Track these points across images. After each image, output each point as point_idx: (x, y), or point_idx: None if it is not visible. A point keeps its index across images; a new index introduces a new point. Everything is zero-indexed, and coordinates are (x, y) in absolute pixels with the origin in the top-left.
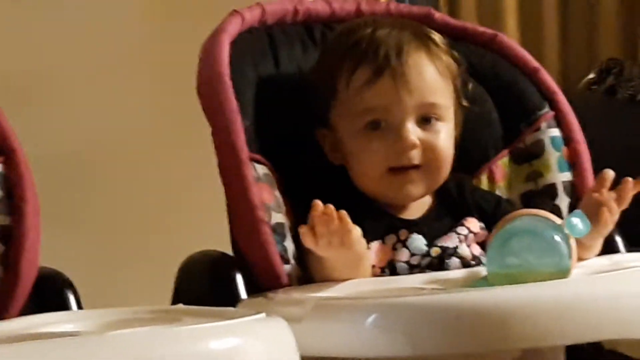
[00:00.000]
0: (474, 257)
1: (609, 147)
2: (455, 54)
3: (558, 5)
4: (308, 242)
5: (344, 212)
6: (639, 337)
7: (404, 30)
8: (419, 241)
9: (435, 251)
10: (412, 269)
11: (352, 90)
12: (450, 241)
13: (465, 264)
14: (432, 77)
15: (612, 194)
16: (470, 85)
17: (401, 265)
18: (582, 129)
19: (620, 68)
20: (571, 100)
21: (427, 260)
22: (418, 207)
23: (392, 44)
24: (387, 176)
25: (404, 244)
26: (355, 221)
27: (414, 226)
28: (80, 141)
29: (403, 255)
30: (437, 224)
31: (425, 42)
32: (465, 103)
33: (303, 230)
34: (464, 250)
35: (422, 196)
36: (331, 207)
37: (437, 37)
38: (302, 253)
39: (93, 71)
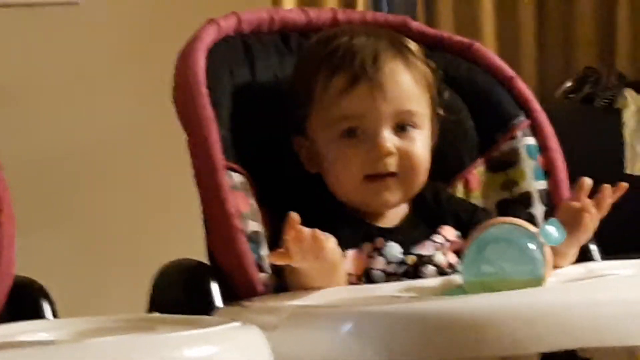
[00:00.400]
0: (450, 265)
1: (587, 155)
2: (431, 63)
3: (535, 14)
4: (282, 260)
5: (316, 231)
6: (613, 345)
7: (381, 38)
8: (394, 249)
9: (411, 259)
10: (388, 277)
11: (329, 98)
12: (426, 249)
13: (441, 272)
14: (408, 85)
15: (591, 202)
16: (446, 94)
17: (377, 273)
18: (559, 137)
19: (597, 76)
20: (548, 108)
21: (403, 268)
22: (394, 215)
23: (369, 52)
24: (363, 184)
25: (380, 252)
26: (330, 229)
27: (390, 234)
28: (56, 149)
29: (379, 263)
30: (413, 232)
31: (402, 51)
32: (441, 112)
33: (274, 255)
34: (439, 258)
35: (399, 204)
36: (304, 229)
37: (413, 46)
38: None
39: (72, 79)
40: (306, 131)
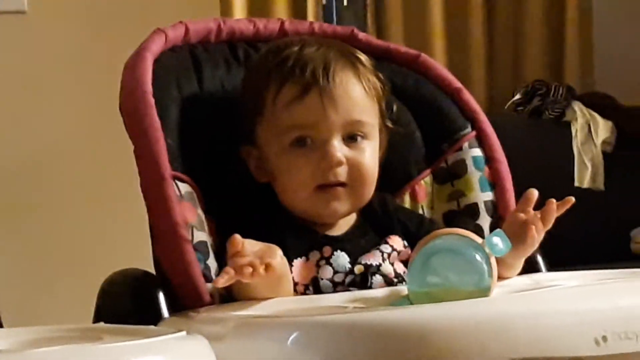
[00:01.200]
0: (397, 275)
1: (535, 168)
2: (380, 75)
3: (484, 27)
4: (228, 282)
5: (260, 249)
6: (557, 355)
7: (331, 49)
8: (342, 259)
9: (358, 269)
10: (336, 286)
11: (279, 107)
12: (373, 259)
13: (388, 281)
14: (358, 96)
15: (537, 214)
16: (394, 106)
17: (325, 283)
18: (508, 149)
19: (546, 89)
20: (497, 121)
21: (350, 277)
22: (343, 225)
23: (320, 61)
24: (314, 193)
25: (327, 261)
26: (278, 238)
27: (337, 243)
28: (2, 158)
29: (327, 272)
30: (361, 241)
31: (352, 61)
32: (389, 124)
33: (220, 280)
34: (387, 268)
35: (348, 214)
36: (247, 250)
37: (363, 57)
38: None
39: (19, 88)
40: (255, 140)
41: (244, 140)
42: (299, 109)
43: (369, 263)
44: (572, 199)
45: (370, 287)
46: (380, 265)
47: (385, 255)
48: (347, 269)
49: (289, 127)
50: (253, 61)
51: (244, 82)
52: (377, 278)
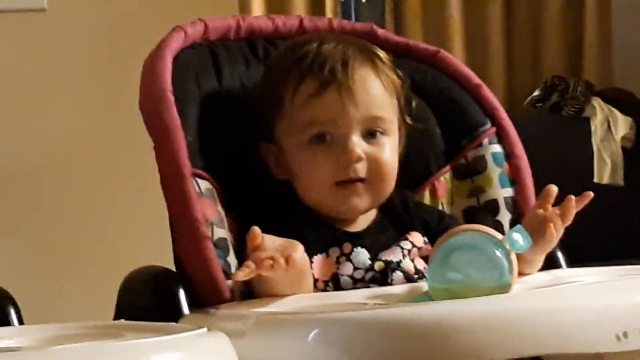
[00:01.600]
0: (417, 271)
1: (555, 164)
2: (399, 72)
3: (503, 22)
4: (248, 276)
5: (282, 244)
6: (578, 351)
7: (350, 45)
8: (362, 255)
9: (378, 265)
10: (356, 282)
11: (298, 104)
12: (393, 255)
13: (408, 278)
14: (377, 92)
15: (556, 210)
16: (414, 103)
17: (345, 279)
18: (527, 145)
19: (565, 85)
20: (516, 117)
21: (370, 274)
22: (363, 221)
23: (338, 57)
24: (333, 189)
25: (347, 257)
26: (298, 234)
27: (357, 239)
28: (22, 156)
29: (347, 268)
30: (381, 237)
31: (371, 57)
32: (409, 120)
33: (239, 274)
34: (407, 264)
35: (368, 210)
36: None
37: (382, 53)
38: None
39: (38, 86)
40: (274, 137)
41: (262, 137)
42: (318, 105)
43: (389, 259)
44: (591, 194)
45: (390, 284)
46: (400, 261)
47: (406, 252)
48: (367, 265)
49: (308, 123)
50: (272, 58)
51: (263, 80)
52: (397, 274)
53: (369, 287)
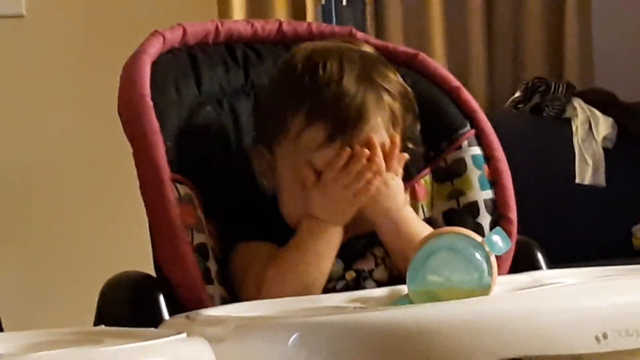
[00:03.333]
0: (392, 279)
1: (536, 165)
2: (409, 91)
3: (484, 24)
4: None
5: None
6: (558, 353)
7: (369, 87)
8: (336, 265)
9: (349, 275)
10: (327, 292)
11: (302, 144)
12: (366, 264)
13: (381, 286)
14: (381, 140)
15: None
16: (417, 128)
17: None
18: (508, 147)
19: (546, 86)
20: (497, 118)
21: (341, 283)
22: (344, 233)
23: (354, 107)
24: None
25: None
26: (274, 241)
27: None
28: (2, 163)
29: None
30: (356, 244)
31: (385, 103)
32: (410, 146)
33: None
34: (380, 273)
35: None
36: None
37: (392, 85)
38: (226, 272)
39: (17, 92)
40: (272, 149)
41: (260, 141)
42: (321, 154)
43: (360, 268)
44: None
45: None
46: (372, 270)
47: (379, 260)
48: (338, 276)
49: (306, 163)
50: (287, 65)
51: (275, 86)
52: (370, 283)
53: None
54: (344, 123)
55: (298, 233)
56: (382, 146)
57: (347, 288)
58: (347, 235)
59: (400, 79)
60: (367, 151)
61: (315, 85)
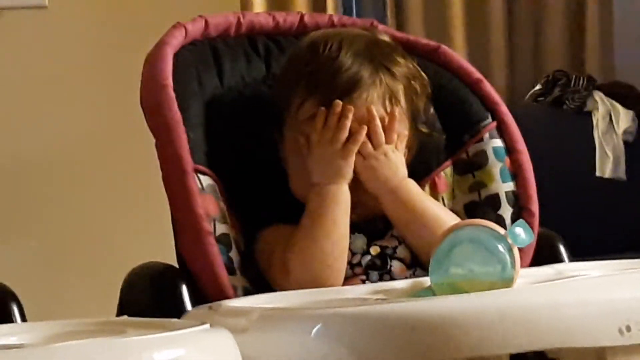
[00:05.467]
0: (415, 261)
1: (557, 158)
2: (424, 75)
3: (504, 17)
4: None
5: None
6: (581, 346)
7: (366, 60)
8: (360, 239)
9: (374, 250)
10: (353, 267)
11: (300, 118)
12: (389, 242)
13: (407, 265)
14: (380, 114)
15: None
16: (431, 110)
17: None
18: (529, 140)
19: (567, 79)
20: (518, 111)
21: (366, 258)
22: (364, 211)
23: (345, 79)
24: None
25: None
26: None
27: (355, 227)
28: (23, 154)
29: None
30: (378, 225)
31: (384, 76)
32: (423, 129)
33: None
34: (403, 251)
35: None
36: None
37: (400, 66)
38: (248, 263)
39: (40, 83)
40: (282, 130)
41: (274, 125)
42: (310, 123)
43: (384, 244)
44: None
45: (389, 271)
46: (396, 247)
47: (402, 239)
48: (363, 250)
49: (305, 138)
50: (293, 50)
51: (280, 77)
52: (395, 263)
53: (367, 273)
54: (334, 92)
55: (307, 205)
56: (382, 119)
57: (373, 264)
58: (367, 215)
59: (413, 65)
60: (340, 102)
61: (314, 63)
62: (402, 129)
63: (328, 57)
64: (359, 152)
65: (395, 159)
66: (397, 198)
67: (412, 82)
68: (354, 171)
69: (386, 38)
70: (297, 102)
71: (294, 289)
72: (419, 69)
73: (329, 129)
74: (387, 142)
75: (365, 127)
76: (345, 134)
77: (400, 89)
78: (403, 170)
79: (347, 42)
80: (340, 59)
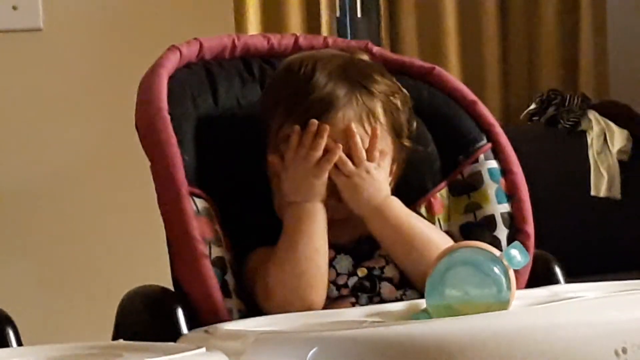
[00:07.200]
0: (403, 282)
1: (552, 177)
2: (404, 91)
3: (499, 37)
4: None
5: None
6: None
7: (341, 80)
8: (346, 261)
9: (361, 271)
10: (340, 289)
11: (280, 140)
12: (376, 263)
13: (396, 285)
14: (360, 132)
15: None
16: (414, 124)
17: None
18: (524, 159)
19: (561, 99)
20: (512, 131)
21: (353, 279)
22: (351, 233)
23: (319, 99)
24: None
25: (330, 263)
26: None
27: (341, 248)
28: (18, 177)
29: (330, 275)
30: (365, 247)
31: (360, 94)
32: (407, 143)
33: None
34: (391, 270)
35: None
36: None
37: (378, 84)
38: (244, 286)
39: (34, 106)
40: (266, 154)
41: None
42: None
43: (371, 266)
44: None
45: (379, 294)
46: (384, 267)
47: (389, 258)
48: (349, 271)
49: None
50: (270, 78)
51: (261, 99)
52: (384, 285)
53: (357, 296)
54: (310, 112)
55: (283, 224)
56: (362, 138)
57: (362, 286)
58: (353, 236)
59: (392, 81)
60: (315, 121)
61: (290, 85)
62: (383, 146)
63: (303, 79)
64: (341, 171)
65: (378, 176)
66: (382, 216)
67: (391, 98)
68: (338, 191)
69: (365, 57)
70: (277, 125)
71: (275, 308)
72: (399, 85)
73: (302, 147)
74: (369, 159)
75: (341, 146)
76: (319, 152)
77: (378, 106)
78: (385, 188)
79: (322, 62)
80: (314, 80)
